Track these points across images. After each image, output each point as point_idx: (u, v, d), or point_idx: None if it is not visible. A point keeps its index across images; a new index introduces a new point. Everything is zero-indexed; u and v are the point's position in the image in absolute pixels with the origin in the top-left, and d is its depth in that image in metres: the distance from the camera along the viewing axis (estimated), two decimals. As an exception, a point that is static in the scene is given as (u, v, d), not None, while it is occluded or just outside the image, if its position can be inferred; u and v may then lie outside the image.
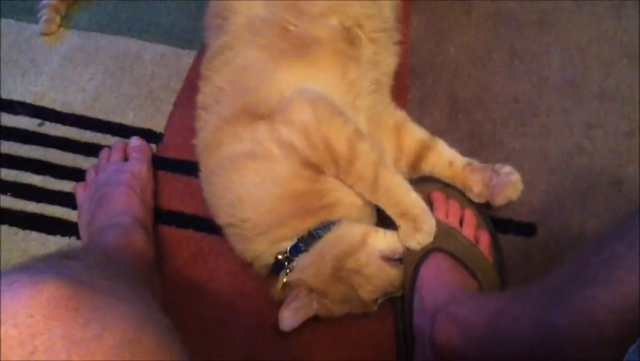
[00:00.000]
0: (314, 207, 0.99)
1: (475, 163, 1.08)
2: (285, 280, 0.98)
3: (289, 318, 0.95)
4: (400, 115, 1.13)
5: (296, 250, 0.98)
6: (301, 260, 0.97)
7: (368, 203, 1.01)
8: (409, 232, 0.96)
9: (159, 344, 0.57)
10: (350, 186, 0.99)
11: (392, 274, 0.97)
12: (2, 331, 0.50)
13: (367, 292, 0.96)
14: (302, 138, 0.96)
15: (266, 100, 1.01)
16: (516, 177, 1.05)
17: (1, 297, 0.52)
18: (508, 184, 1.05)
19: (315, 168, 0.97)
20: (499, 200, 1.05)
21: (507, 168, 1.06)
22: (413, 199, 0.97)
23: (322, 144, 0.96)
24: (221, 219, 1.03)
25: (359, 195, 1.00)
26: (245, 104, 1.02)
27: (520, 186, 1.05)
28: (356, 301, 0.96)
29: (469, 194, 1.07)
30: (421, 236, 0.96)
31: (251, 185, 0.98)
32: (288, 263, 0.98)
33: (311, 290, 0.96)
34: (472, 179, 1.07)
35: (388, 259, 0.97)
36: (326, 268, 0.95)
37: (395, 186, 0.97)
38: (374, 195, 0.98)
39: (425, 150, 1.10)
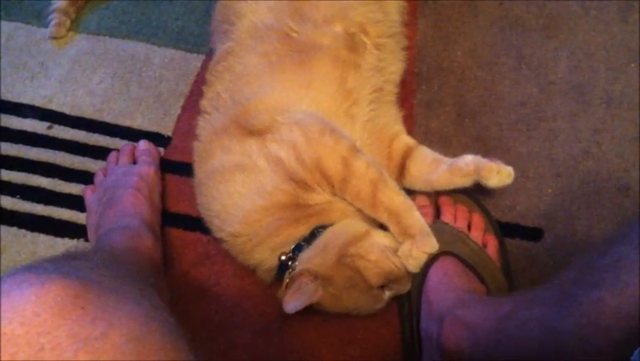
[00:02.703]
0: (301, 216, 0.98)
1: None
2: (289, 276, 0.97)
3: (293, 301, 0.93)
4: (396, 128, 1.12)
5: (299, 250, 0.98)
6: (304, 254, 0.97)
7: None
8: (408, 251, 0.94)
9: (165, 342, 0.57)
10: (350, 203, 0.99)
11: (397, 259, 0.95)
12: (9, 329, 0.51)
13: (373, 274, 0.94)
14: (291, 156, 0.96)
15: (256, 115, 1.01)
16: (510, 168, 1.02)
17: (9, 296, 0.53)
18: (502, 166, 1.02)
19: (300, 184, 0.97)
20: (492, 168, 1.01)
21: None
22: (415, 218, 0.95)
23: (313, 164, 0.96)
24: (215, 233, 1.04)
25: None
26: (236, 117, 1.02)
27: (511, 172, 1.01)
28: (361, 284, 0.94)
29: (457, 163, 1.03)
30: (422, 257, 0.95)
31: (236, 195, 0.98)
32: (292, 263, 0.97)
33: (315, 277, 0.94)
34: (461, 160, 1.04)
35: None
36: (331, 255, 0.95)
37: (396, 204, 0.95)
38: (374, 212, 0.97)
39: (409, 151, 1.09)
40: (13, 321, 0.51)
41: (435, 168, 1.06)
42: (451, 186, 1.05)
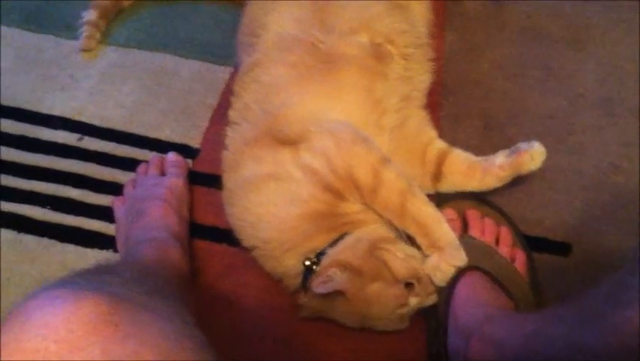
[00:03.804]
0: (337, 225, 0.99)
1: None
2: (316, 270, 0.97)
3: (321, 283, 0.93)
4: (430, 134, 1.13)
5: (323, 255, 0.97)
6: (332, 250, 0.97)
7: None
8: (436, 263, 0.95)
9: (195, 360, 0.58)
10: (379, 213, 0.99)
11: (422, 266, 0.95)
12: (43, 346, 0.51)
13: (400, 267, 0.93)
14: (324, 165, 0.97)
15: (288, 125, 1.02)
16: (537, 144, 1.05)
17: (43, 312, 0.53)
18: (531, 149, 1.05)
19: (335, 193, 0.97)
20: (525, 159, 1.04)
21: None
22: (444, 231, 0.96)
23: (344, 173, 0.97)
24: (245, 241, 1.04)
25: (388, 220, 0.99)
26: (267, 128, 1.03)
27: (542, 150, 1.05)
28: (388, 276, 0.93)
29: (491, 170, 1.06)
30: (449, 270, 0.95)
31: (271, 205, 0.99)
32: (316, 267, 0.97)
33: (345, 268, 0.93)
34: (493, 157, 1.07)
35: None
36: (361, 246, 0.95)
37: (425, 216, 0.96)
38: (402, 222, 0.97)
39: (444, 155, 1.10)
40: (47, 338, 0.51)
41: (471, 177, 1.08)
42: (488, 189, 1.08)
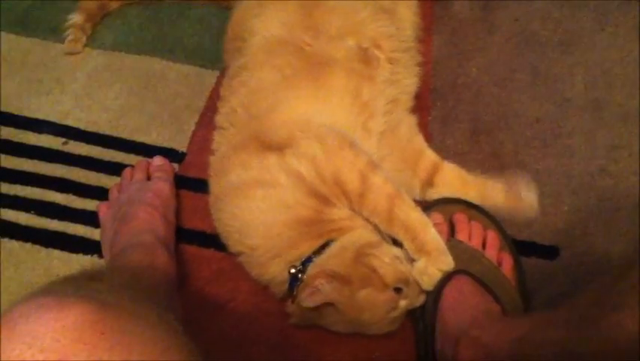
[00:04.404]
0: (324, 231, 0.98)
1: None
2: (302, 280, 0.96)
3: (308, 296, 0.92)
4: (421, 143, 1.13)
5: (309, 262, 0.96)
6: (318, 259, 0.96)
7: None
8: (424, 268, 0.94)
9: None
10: (366, 218, 0.98)
11: (409, 268, 0.95)
12: (29, 355, 0.50)
13: (388, 273, 0.93)
14: (310, 170, 0.96)
15: (275, 130, 1.01)
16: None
17: (28, 321, 0.52)
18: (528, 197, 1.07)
19: (322, 199, 0.97)
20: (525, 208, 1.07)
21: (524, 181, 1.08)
22: (432, 236, 0.95)
23: (331, 178, 0.96)
24: (232, 247, 1.03)
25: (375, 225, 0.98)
26: (254, 132, 1.03)
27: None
28: (377, 282, 0.93)
29: (489, 196, 1.08)
30: (437, 274, 0.94)
31: (257, 211, 0.98)
32: (301, 275, 0.96)
33: (332, 277, 0.93)
34: (491, 186, 1.08)
35: None
36: (348, 254, 0.95)
37: (412, 220, 0.95)
38: (390, 227, 0.96)
39: (436, 168, 1.10)
40: (33, 347, 0.50)
41: (465, 193, 1.09)
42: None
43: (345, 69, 1.05)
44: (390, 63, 1.09)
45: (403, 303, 0.95)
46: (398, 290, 0.94)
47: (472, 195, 1.08)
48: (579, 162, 1.17)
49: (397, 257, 0.95)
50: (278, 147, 0.99)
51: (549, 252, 1.09)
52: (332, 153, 0.97)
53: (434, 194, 1.11)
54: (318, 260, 0.96)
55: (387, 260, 0.94)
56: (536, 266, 1.07)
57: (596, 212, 1.12)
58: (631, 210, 1.12)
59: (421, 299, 0.97)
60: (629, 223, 1.10)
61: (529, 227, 1.10)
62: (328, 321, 0.98)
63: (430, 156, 1.12)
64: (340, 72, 1.04)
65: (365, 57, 1.06)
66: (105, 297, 0.60)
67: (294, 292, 0.96)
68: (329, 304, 0.94)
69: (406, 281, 0.94)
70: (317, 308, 0.95)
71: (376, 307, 0.94)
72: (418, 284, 0.95)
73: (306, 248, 0.97)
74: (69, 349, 0.51)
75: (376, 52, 1.08)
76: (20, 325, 0.52)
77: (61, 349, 0.51)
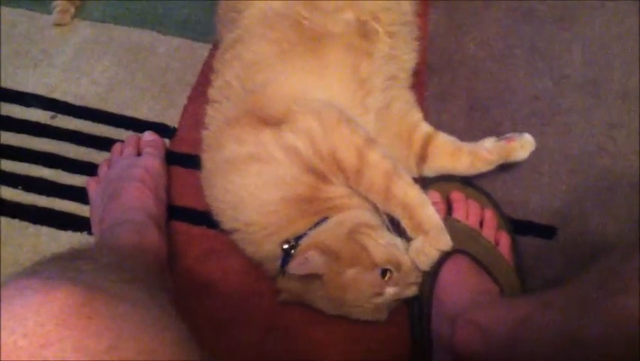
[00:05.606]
0: (320, 209, 0.97)
1: None
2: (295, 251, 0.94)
3: (297, 264, 0.91)
4: (417, 116, 1.11)
5: (302, 239, 0.95)
6: (313, 232, 0.95)
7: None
8: (421, 247, 0.93)
9: (177, 353, 0.55)
10: (363, 195, 0.97)
11: (405, 256, 0.94)
12: (11, 340, 0.48)
13: (379, 252, 0.92)
14: (307, 145, 0.95)
15: (271, 104, 0.99)
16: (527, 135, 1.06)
17: (11, 304, 0.50)
18: (522, 138, 1.06)
19: (319, 176, 0.95)
20: (515, 146, 1.05)
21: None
22: (430, 214, 0.94)
23: (329, 154, 0.94)
24: (226, 224, 1.01)
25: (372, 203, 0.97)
26: (249, 106, 1.00)
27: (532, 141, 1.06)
28: (366, 260, 0.91)
29: (479, 153, 1.06)
30: (434, 254, 0.93)
31: (253, 187, 0.97)
32: (294, 251, 0.95)
33: (323, 251, 0.91)
34: (482, 143, 1.07)
35: None
36: (342, 229, 0.94)
37: (410, 198, 0.93)
38: (387, 205, 0.95)
39: (429, 138, 1.09)
40: (16, 332, 0.48)
41: (457, 158, 1.07)
42: (475, 173, 1.07)
43: (343, 44, 1.02)
44: (389, 37, 1.07)
45: (390, 290, 0.93)
46: (386, 273, 0.92)
47: (464, 159, 1.07)
48: (577, 140, 1.16)
49: (395, 245, 0.94)
50: (274, 122, 0.97)
51: (546, 231, 1.08)
52: (329, 128, 0.95)
53: (429, 170, 1.09)
54: (312, 233, 0.95)
55: (381, 242, 0.93)
56: (533, 245, 1.06)
57: (593, 191, 1.11)
58: (629, 189, 1.11)
59: (411, 291, 0.95)
60: (627, 203, 1.09)
61: (526, 206, 1.09)
62: (315, 298, 0.96)
63: (425, 127, 1.10)
64: (338, 47, 1.02)
65: (364, 31, 1.04)
66: (93, 279, 0.58)
67: (287, 264, 0.94)
68: (317, 278, 0.93)
69: (398, 265, 0.93)
70: (305, 283, 0.94)
71: (361, 288, 0.93)
72: (410, 274, 0.94)
73: (301, 226, 0.96)
74: (54, 334, 0.49)
75: (375, 25, 1.05)
76: (3, 309, 0.50)
77: (45, 335, 0.48)
